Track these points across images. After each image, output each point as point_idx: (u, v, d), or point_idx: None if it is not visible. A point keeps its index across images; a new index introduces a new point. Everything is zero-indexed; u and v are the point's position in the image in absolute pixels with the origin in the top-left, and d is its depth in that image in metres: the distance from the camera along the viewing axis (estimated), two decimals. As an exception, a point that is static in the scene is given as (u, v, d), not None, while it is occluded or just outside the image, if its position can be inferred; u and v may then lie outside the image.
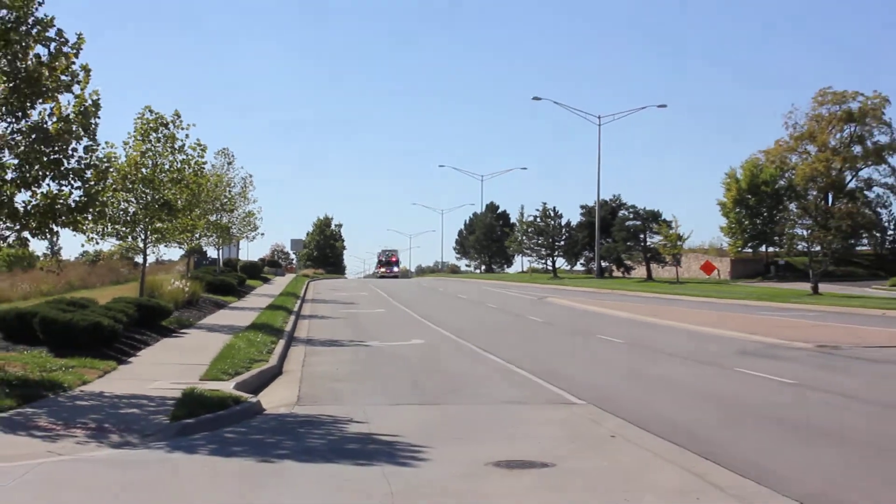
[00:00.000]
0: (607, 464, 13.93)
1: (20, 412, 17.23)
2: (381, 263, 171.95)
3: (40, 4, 20.39)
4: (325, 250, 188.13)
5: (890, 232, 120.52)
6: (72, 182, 20.78)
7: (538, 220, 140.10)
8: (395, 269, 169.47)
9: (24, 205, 20.41)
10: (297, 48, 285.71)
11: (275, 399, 20.55)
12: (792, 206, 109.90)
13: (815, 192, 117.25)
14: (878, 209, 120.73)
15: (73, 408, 18.03)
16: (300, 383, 23.11)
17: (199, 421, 16.48)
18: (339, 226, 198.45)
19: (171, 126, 38.29)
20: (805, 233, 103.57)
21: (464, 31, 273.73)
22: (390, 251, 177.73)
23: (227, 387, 20.07)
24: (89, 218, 22.28)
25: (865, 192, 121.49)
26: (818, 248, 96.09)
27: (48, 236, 21.91)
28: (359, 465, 13.55)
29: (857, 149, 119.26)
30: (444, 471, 13.37)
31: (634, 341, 35.68)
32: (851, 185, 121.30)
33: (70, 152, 20.60)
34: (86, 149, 20.95)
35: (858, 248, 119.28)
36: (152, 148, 37.74)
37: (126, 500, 11.52)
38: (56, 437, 15.31)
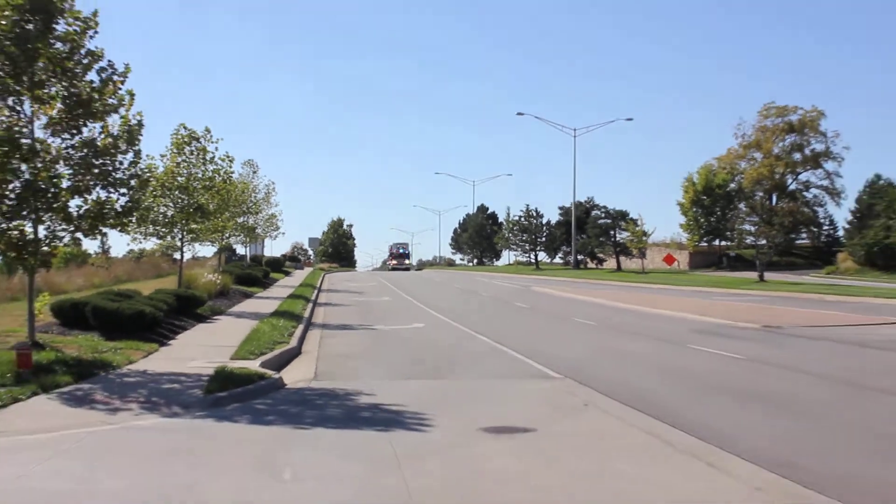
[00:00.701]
0: (581, 428, 14.07)
1: (77, 387, 17.37)
2: (392, 256, 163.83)
3: (91, 37, 20.60)
4: (338, 247, 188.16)
5: (825, 227, 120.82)
6: (118, 190, 20.95)
7: (522, 219, 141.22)
8: (407, 261, 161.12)
9: (77, 209, 20.56)
10: (315, 76, 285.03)
11: (295, 375, 20.58)
12: (741, 205, 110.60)
13: (760, 194, 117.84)
14: (815, 208, 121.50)
15: (122, 384, 18.14)
16: (317, 362, 23.14)
17: (230, 394, 16.60)
18: (350, 226, 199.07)
19: (202, 140, 38.53)
20: (752, 228, 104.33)
21: (457, 55, 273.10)
22: (402, 244, 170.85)
23: (254, 365, 20.12)
24: (133, 221, 22.46)
25: (804, 193, 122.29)
26: (763, 241, 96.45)
27: (98, 237, 22.19)
28: (369, 431, 13.69)
29: (797, 156, 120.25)
30: (442, 435, 13.50)
31: (605, 323, 35.77)
32: (792, 187, 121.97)
33: (117, 164, 20.77)
34: (130, 162, 21.10)
35: (798, 242, 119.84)
36: (186, 159, 37.93)
37: (171, 461, 11.60)
38: (108, 408, 15.46)
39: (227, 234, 52.66)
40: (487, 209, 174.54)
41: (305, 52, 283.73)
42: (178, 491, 10.14)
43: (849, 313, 39.84)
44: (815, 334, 30.37)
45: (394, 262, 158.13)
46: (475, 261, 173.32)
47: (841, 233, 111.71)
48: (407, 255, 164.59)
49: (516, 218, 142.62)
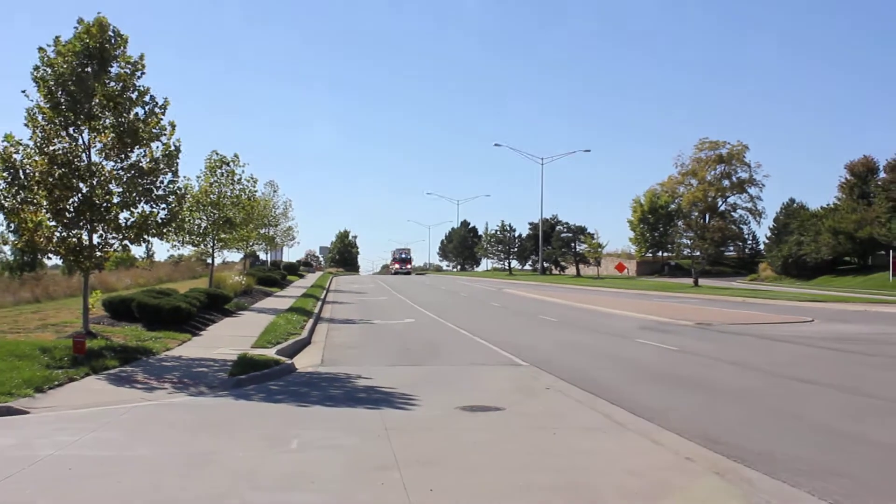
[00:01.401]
0: (542, 408, 14.00)
1: (122, 370, 17.45)
2: (395, 260, 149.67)
3: (139, 77, 20.61)
4: (344, 254, 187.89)
5: (749, 242, 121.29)
6: (159, 205, 20.95)
7: (498, 232, 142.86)
8: (409, 265, 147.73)
9: (125, 221, 20.59)
10: (331, 114, 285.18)
11: (305, 361, 20.49)
12: (680, 223, 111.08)
13: (696, 213, 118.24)
14: (741, 225, 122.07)
15: (159, 367, 18.11)
16: (323, 350, 23.09)
17: (249, 377, 16.58)
18: (355, 236, 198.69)
19: (231, 164, 38.76)
20: (689, 242, 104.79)
21: (440, 105, 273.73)
22: (404, 249, 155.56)
23: (270, 352, 20.05)
24: (172, 231, 22.34)
25: (732, 213, 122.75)
26: (698, 253, 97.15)
27: (142, 244, 22.20)
28: (365, 409, 13.62)
29: (726, 182, 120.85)
30: (425, 411, 13.44)
31: (564, 320, 35.70)
32: (722, 208, 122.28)
33: (158, 183, 20.74)
34: (169, 181, 21.06)
35: (727, 254, 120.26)
36: (218, 180, 38.15)
37: (195, 433, 11.54)
38: (146, 387, 15.46)
39: (251, 243, 52.66)
40: (469, 224, 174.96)
41: (323, 90, 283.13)
42: (200, 457, 10.08)
43: (767, 313, 39.95)
44: (738, 331, 30.39)
45: (396, 265, 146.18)
46: (459, 267, 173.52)
47: (762, 246, 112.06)
48: (409, 260, 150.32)
49: (493, 231, 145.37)
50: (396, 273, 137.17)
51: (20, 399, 13.74)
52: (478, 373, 18.71)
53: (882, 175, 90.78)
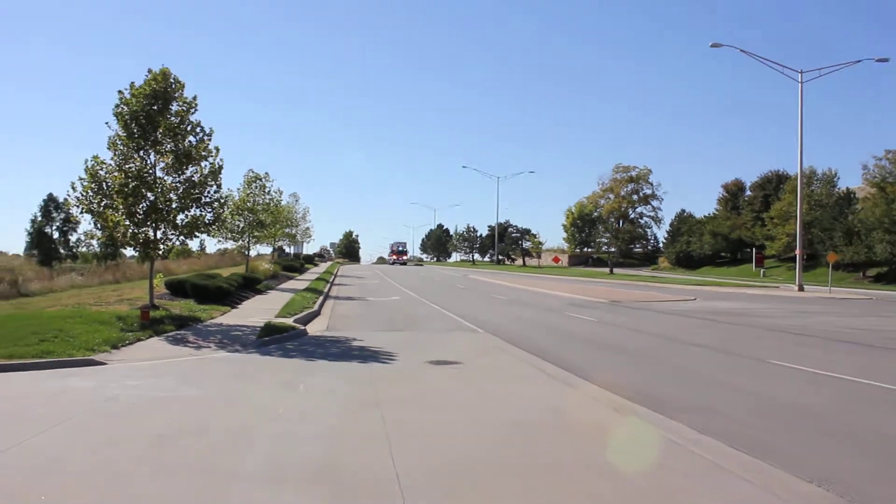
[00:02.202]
0: (492, 363, 13.95)
1: (178, 333, 17.36)
2: (393, 252, 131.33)
3: (193, 113, 20.56)
4: (349, 248, 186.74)
5: (652, 241, 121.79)
6: (206, 209, 20.81)
7: (465, 232, 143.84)
8: (405, 257, 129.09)
9: (181, 221, 20.44)
10: (346, 138, 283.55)
11: (315, 327, 20.35)
12: (600, 227, 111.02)
13: (612, 220, 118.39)
14: (646, 229, 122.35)
15: (206, 331, 18.00)
16: (329, 319, 22.96)
17: (272, 338, 16.48)
18: (357, 235, 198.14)
19: (263, 179, 38.72)
20: (606, 241, 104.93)
21: (422, 120, 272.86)
22: (401, 242, 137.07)
23: (289, 321, 19.89)
24: (216, 229, 22.23)
25: (639, 220, 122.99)
26: (613, 249, 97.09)
27: (194, 239, 22.09)
28: (357, 363, 13.58)
29: (635, 197, 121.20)
30: (402, 365, 13.40)
31: (513, 298, 35.67)
32: (632, 216, 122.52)
33: (206, 193, 20.61)
34: (214, 191, 20.96)
35: (635, 250, 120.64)
36: (252, 192, 38.03)
37: (230, 379, 11.52)
38: (195, 346, 15.40)
39: (277, 240, 52.61)
40: (443, 226, 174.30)
41: (343, 125, 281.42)
42: (232, 397, 10.10)
43: (663, 294, 40.19)
44: (640, 306, 30.54)
45: (394, 257, 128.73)
46: (435, 259, 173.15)
47: (661, 244, 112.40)
48: (405, 252, 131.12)
49: (461, 232, 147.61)
50: (394, 263, 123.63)
51: (100, 353, 13.70)
52: (446, 337, 18.65)
53: (748, 193, 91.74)
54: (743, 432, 8.49)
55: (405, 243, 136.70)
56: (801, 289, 45.39)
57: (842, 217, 63.33)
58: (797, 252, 47.97)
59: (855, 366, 13.97)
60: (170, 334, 17.00)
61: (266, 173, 39.07)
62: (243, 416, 8.83)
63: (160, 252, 20.81)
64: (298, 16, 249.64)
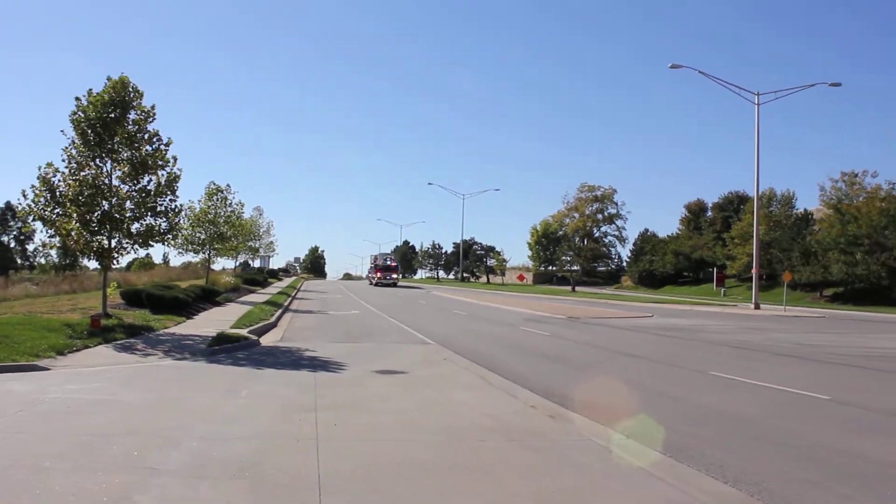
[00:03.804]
0: (437, 372, 14.06)
1: (127, 341, 17.26)
2: (378, 268, 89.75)
3: (151, 122, 20.58)
4: (314, 264, 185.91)
5: (615, 260, 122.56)
6: (161, 218, 20.74)
7: (430, 249, 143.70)
8: (395, 275, 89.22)
9: (135, 230, 20.38)
10: (309, 153, 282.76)
11: (269, 339, 20.34)
12: (565, 245, 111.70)
13: (577, 238, 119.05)
14: (610, 248, 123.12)
15: (156, 340, 17.93)
16: (285, 331, 22.95)
17: (222, 348, 16.48)
18: (323, 251, 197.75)
19: (224, 192, 38.64)
20: (569, 259, 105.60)
21: (388, 135, 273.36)
22: (388, 255, 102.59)
23: (244, 332, 19.83)
24: (170, 238, 22.12)
25: (604, 239, 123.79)
26: (576, 267, 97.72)
27: (148, 248, 22.11)
28: (304, 371, 13.65)
29: (600, 216, 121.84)
30: (349, 374, 13.46)
31: (471, 313, 35.82)
32: (596, 235, 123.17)
33: (160, 202, 20.56)
34: (170, 200, 20.89)
35: (599, 269, 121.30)
36: (214, 204, 37.87)
37: (171, 385, 11.51)
38: (142, 354, 15.34)
39: (240, 253, 52.38)
40: (409, 242, 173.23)
41: (308, 137, 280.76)
42: (171, 401, 10.11)
43: (621, 311, 40.60)
44: (598, 322, 30.84)
45: (378, 275, 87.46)
46: (401, 276, 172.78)
47: (625, 263, 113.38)
48: (395, 269, 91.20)
49: (426, 249, 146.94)
50: (379, 284, 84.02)
51: (44, 359, 13.65)
52: (396, 349, 18.74)
53: (710, 213, 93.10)
54: (670, 437, 8.70)
55: (393, 256, 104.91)
56: (757, 307, 46.09)
57: (800, 237, 64.45)
58: (754, 271, 48.73)
59: (790, 377, 14.33)
60: (119, 342, 16.89)
61: (227, 185, 39.05)
62: (178, 418, 8.86)
63: (116, 261, 20.80)
64: (266, 25, 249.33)
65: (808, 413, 10.66)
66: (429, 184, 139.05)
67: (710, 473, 7.14)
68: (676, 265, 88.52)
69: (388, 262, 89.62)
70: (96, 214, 19.74)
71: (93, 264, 33.32)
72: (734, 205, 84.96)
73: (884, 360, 17.95)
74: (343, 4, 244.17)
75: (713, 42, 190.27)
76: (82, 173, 19.58)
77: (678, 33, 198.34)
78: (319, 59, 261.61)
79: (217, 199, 38.14)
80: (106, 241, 20.17)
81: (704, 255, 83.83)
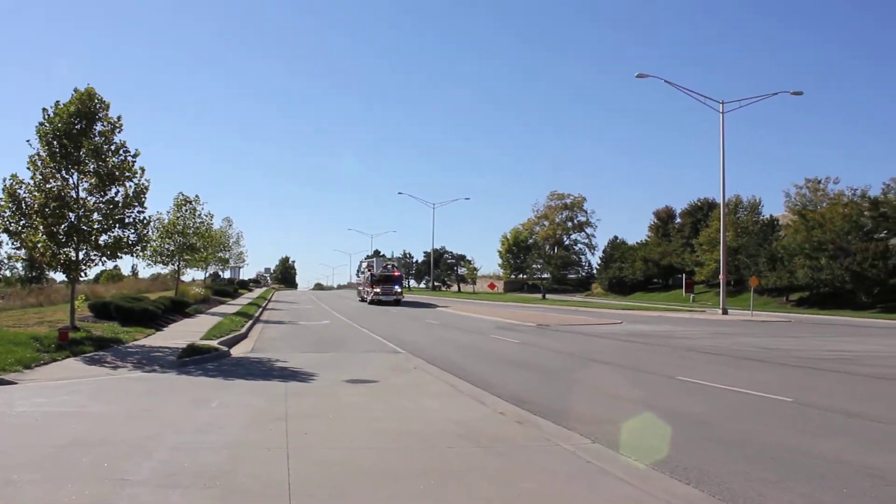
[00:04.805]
0: (407, 380, 14.17)
1: (96, 354, 17.13)
2: (374, 280, 61.64)
3: (118, 133, 20.47)
4: (285, 274, 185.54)
5: (585, 267, 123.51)
6: (129, 230, 20.62)
7: (402, 258, 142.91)
8: (397, 288, 62.47)
9: (103, 242, 20.25)
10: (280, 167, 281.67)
11: (239, 349, 20.38)
12: (535, 253, 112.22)
13: (547, 246, 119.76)
14: (580, 256, 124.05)
15: (125, 352, 17.83)
16: (255, 342, 22.98)
17: (193, 359, 16.45)
18: (293, 261, 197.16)
19: (193, 203, 38.40)
20: (539, 267, 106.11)
21: (357, 146, 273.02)
22: (389, 260, 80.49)
23: (214, 343, 19.75)
24: (139, 250, 22.01)
25: (574, 246, 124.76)
26: (547, 275, 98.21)
27: (116, 260, 21.82)
28: (275, 381, 13.67)
29: (570, 224, 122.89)
30: (319, 383, 13.55)
31: (443, 322, 35.97)
32: (566, 242, 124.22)
33: (128, 213, 20.45)
34: (138, 211, 20.76)
35: (569, 276, 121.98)
36: (183, 215, 37.65)
37: (141, 397, 11.50)
38: (112, 366, 15.25)
39: (209, 264, 52.08)
40: (380, 252, 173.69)
41: (277, 149, 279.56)
42: (140, 412, 10.12)
43: (591, 318, 40.86)
44: (567, 329, 31.08)
45: (375, 290, 60.74)
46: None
47: (595, 270, 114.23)
48: (398, 279, 64.53)
49: (398, 258, 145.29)
50: (377, 302, 59.74)
51: (11, 373, 13.52)
52: (367, 358, 18.79)
53: (678, 220, 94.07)
54: (635, 441, 8.89)
55: (391, 261, 79.05)
56: (724, 312, 46.70)
57: (766, 243, 65.41)
58: (722, 277, 49.39)
59: (756, 381, 14.65)
60: (88, 355, 16.76)
61: (196, 196, 38.83)
62: (148, 429, 8.88)
63: (83, 273, 20.66)
64: (232, 37, 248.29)
65: (771, 415, 10.90)
66: (399, 193, 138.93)
67: (674, 475, 7.32)
68: (646, 272, 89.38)
69: (389, 271, 62.75)
70: (63, 226, 19.56)
71: (60, 277, 33.25)
72: (703, 211, 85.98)
73: (846, 363, 18.33)
74: (308, 17, 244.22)
75: (678, 55, 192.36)
76: (48, 185, 19.40)
77: (644, 45, 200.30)
78: (286, 70, 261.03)
79: (186, 210, 37.92)
80: (73, 254, 19.99)
81: (673, 261, 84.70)
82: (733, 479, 7.23)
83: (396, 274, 64.31)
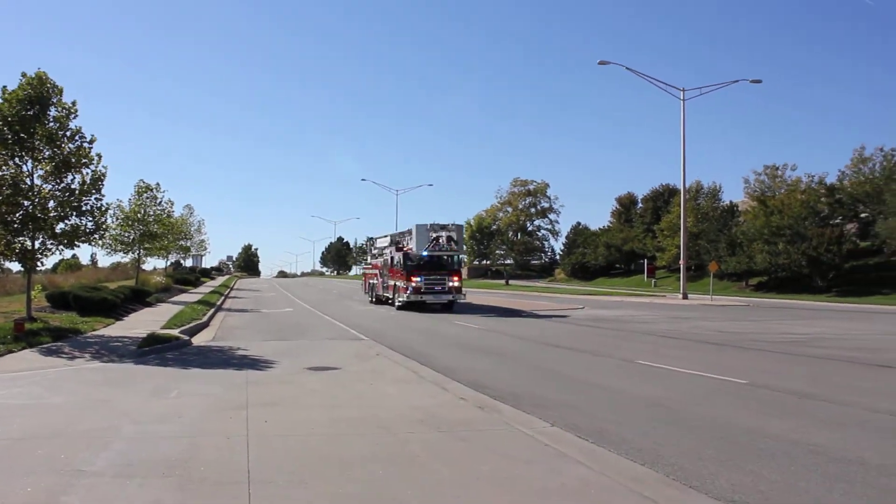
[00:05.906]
0: (369, 367, 14.22)
1: (53, 345, 16.84)
2: (412, 268, 32.92)
3: (73, 119, 20.11)
4: (248, 262, 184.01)
5: (549, 253, 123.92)
6: (86, 218, 20.33)
7: (364, 245, 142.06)
8: (455, 281, 33.49)
9: (60, 231, 19.94)
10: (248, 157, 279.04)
11: (201, 338, 20.23)
12: (498, 240, 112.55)
13: (511, 232, 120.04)
14: (543, 242, 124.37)
15: (83, 343, 17.57)
16: (217, 330, 22.81)
17: (152, 349, 16.28)
18: (256, 249, 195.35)
19: (154, 190, 37.94)
20: (502, 253, 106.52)
21: (319, 134, 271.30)
22: (440, 230, 33.58)
23: (175, 332, 19.63)
24: (98, 238, 21.71)
25: (537, 232, 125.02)
26: (510, 261, 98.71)
27: (73, 248, 21.39)
28: (235, 370, 13.64)
29: (533, 210, 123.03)
30: (280, 371, 13.55)
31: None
32: (529, 228, 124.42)
33: (85, 201, 20.14)
34: (95, 199, 20.46)
35: (532, 262, 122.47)
36: (143, 202, 37.20)
37: (98, 387, 11.38)
38: (69, 357, 15.04)
39: (171, 252, 51.49)
40: (343, 239, 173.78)
41: (234, 139, 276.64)
42: (98, 403, 10.03)
43: (553, 303, 41.12)
44: (530, 314, 31.30)
45: (414, 282, 32.71)
46: (336, 272, 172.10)
47: (558, 256, 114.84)
48: (456, 271, 34.14)
49: (361, 245, 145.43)
50: (414, 304, 33.14)
51: (-35, 365, 13.32)
52: (329, 345, 18.79)
53: (640, 206, 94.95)
54: (593, 424, 9.06)
55: (451, 232, 34.45)
56: (685, 297, 47.37)
57: (726, 229, 66.32)
58: (682, 262, 50.05)
59: (708, 363, 14.99)
60: (45, 346, 16.51)
61: (157, 184, 38.30)
62: (106, 420, 8.84)
63: (40, 263, 20.35)
64: (188, 27, 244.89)
65: (725, 397, 11.14)
66: (362, 180, 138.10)
67: (629, 456, 7.48)
68: (608, 257, 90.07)
69: (443, 249, 34.19)
70: (18, 214, 19.19)
71: (16, 266, 32.64)
72: (664, 197, 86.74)
73: (800, 346, 18.74)
74: (263, 10, 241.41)
75: (639, 48, 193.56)
76: (1, 172, 19.05)
77: (605, 38, 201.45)
78: (243, 62, 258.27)
79: (146, 198, 37.44)
80: (29, 242, 19.66)
81: (635, 247, 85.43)
82: (686, 460, 7.41)
83: (454, 251, 34.68)
